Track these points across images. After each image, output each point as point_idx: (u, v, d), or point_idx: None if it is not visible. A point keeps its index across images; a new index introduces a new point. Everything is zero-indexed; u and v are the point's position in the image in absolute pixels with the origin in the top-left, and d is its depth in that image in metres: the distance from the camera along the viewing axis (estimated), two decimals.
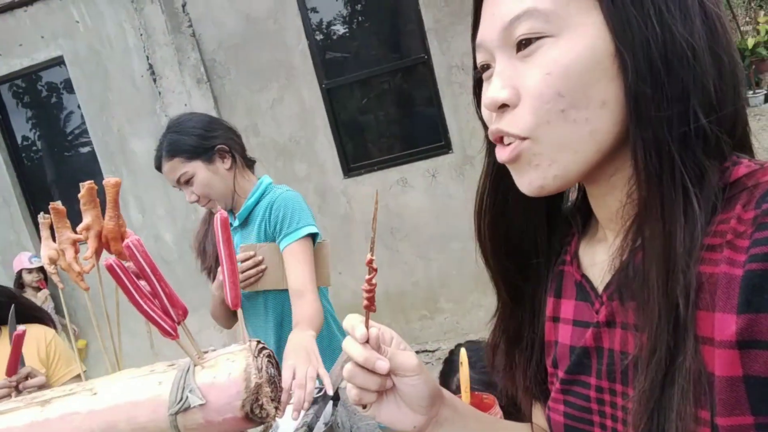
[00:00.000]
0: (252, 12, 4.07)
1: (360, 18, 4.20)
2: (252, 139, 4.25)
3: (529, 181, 0.56)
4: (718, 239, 0.48)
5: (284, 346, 1.39)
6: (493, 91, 0.54)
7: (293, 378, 1.17)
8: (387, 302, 4.21)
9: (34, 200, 4.90)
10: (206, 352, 0.77)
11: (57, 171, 4.97)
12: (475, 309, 4.21)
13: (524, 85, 0.53)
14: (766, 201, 0.46)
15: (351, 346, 0.62)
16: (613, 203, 0.57)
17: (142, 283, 0.72)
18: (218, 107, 4.20)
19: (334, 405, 1.17)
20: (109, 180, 0.79)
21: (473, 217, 0.67)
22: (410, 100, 4.19)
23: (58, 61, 4.40)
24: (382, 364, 0.60)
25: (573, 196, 0.69)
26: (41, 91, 4.75)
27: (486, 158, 0.66)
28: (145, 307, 0.69)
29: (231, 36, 4.12)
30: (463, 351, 1.11)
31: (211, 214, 1.78)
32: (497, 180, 0.65)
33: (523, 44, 0.53)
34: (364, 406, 0.64)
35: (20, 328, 0.90)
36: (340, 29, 4.20)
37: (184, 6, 4.01)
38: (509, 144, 0.55)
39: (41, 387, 1.38)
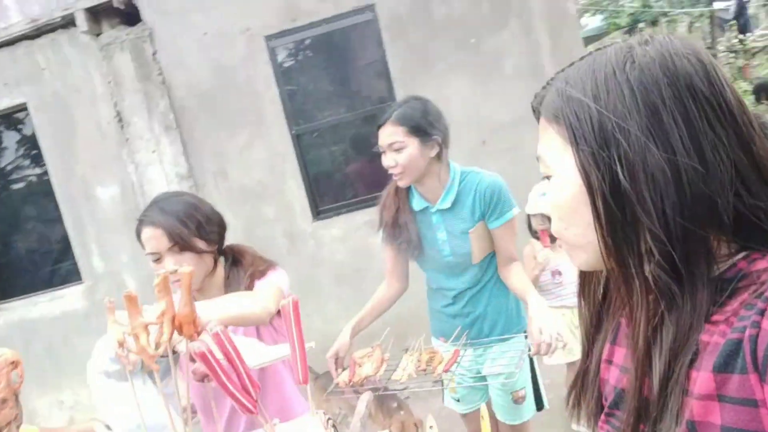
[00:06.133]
0: (223, 59, 4.15)
1: (328, 65, 4.34)
2: (221, 184, 4.29)
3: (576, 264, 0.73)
4: (721, 316, 0.61)
5: (481, 290, 2.06)
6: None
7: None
8: (355, 342, 4.26)
9: None
10: (275, 425, 0.85)
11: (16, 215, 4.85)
12: None
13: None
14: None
15: None
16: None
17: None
18: (187, 153, 4.23)
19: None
20: (184, 269, 0.87)
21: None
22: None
23: (21, 108, 4.34)
24: None
25: None
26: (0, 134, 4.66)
27: None
28: (231, 387, 0.77)
29: (201, 83, 4.18)
30: (483, 407, 1.22)
31: (397, 187, 2.05)
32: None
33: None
34: None
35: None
36: (309, 77, 4.32)
37: (154, 54, 4.06)
38: None
39: None
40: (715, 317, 0.61)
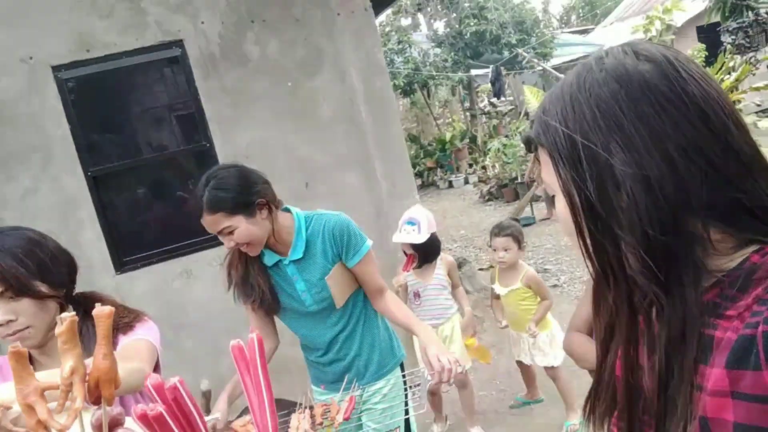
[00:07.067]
0: None
1: (131, 102, 3.94)
2: None
3: None
4: (735, 312, 0.60)
5: (352, 332, 1.98)
6: None
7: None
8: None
9: None
10: None
11: None
12: None
13: None
14: None
15: None
16: None
17: None
18: None
19: None
20: (102, 310, 0.68)
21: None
22: (193, 187, 4.03)
23: None
24: None
25: None
26: None
27: None
28: None
29: None
30: None
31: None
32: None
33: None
34: None
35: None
36: (108, 113, 3.86)
37: None
38: None
39: None
40: (729, 312, 0.60)
